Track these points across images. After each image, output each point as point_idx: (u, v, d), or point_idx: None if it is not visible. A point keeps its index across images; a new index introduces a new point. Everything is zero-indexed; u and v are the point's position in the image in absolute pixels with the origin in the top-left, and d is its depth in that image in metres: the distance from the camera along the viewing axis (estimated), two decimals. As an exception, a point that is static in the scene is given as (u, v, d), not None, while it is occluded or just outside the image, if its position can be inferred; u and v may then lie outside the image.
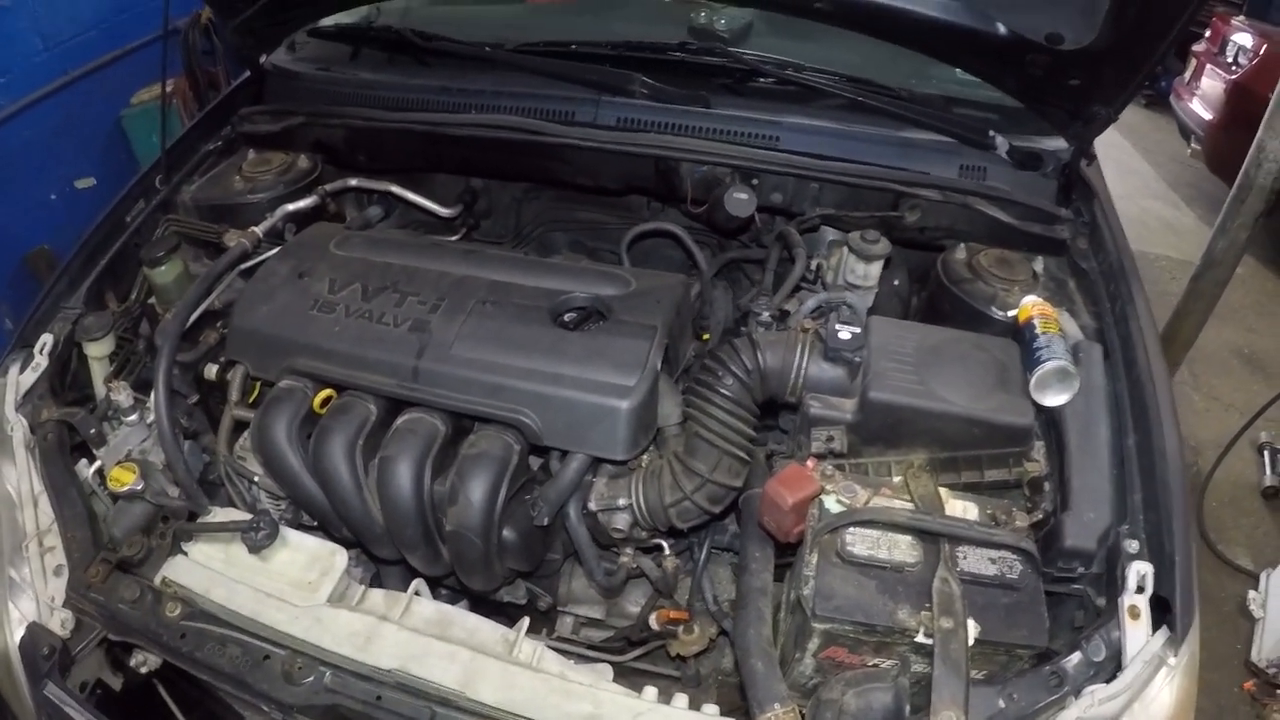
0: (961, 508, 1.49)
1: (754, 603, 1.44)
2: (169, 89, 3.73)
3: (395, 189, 2.22)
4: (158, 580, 1.50)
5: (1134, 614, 1.32)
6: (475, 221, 2.44)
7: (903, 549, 1.42)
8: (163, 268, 1.90)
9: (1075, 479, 1.49)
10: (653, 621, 1.71)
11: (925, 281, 2.00)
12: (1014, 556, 1.42)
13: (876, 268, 1.86)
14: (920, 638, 1.30)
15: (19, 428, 1.69)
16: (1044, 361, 1.55)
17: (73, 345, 1.82)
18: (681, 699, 1.39)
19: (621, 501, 1.61)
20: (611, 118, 2.13)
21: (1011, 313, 1.72)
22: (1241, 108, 5.48)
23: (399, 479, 1.52)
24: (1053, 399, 1.56)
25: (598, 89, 2.16)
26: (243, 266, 1.88)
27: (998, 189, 1.98)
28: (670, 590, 1.73)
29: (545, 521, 1.58)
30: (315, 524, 1.71)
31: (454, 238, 2.33)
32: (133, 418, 1.71)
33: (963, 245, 1.93)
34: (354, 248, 1.85)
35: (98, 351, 1.81)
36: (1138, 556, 1.37)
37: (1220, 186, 5.30)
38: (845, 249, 1.90)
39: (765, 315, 1.79)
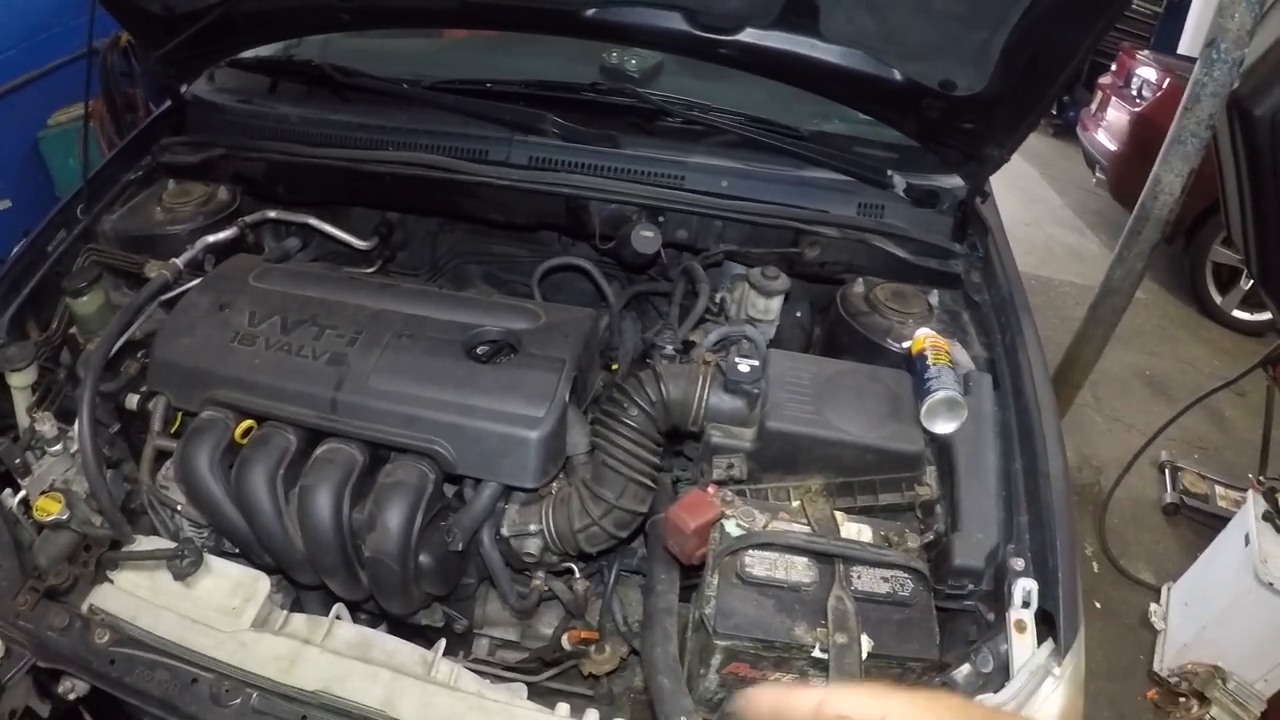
0: (856, 530, 1.55)
1: (660, 622, 1.49)
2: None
3: (313, 221, 2.26)
4: (85, 608, 1.52)
5: (1020, 627, 1.39)
6: (391, 254, 2.49)
7: (799, 570, 1.47)
8: (84, 298, 1.91)
9: (964, 501, 1.57)
10: (565, 642, 1.76)
11: (827, 313, 2.09)
12: (905, 575, 1.48)
13: (776, 302, 1.95)
14: (816, 653, 1.36)
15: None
16: (934, 391, 1.63)
17: (-5, 375, 1.83)
18: (593, 714, 1.45)
19: (533, 527, 1.67)
20: (524, 156, 2.20)
21: (906, 344, 1.81)
22: (1145, 139, 5.72)
23: (318, 507, 1.57)
24: (942, 427, 1.65)
25: (511, 128, 2.23)
26: (164, 298, 1.90)
27: (894, 226, 2.08)
28: (581, 611, 1.79)
29: (460, 547, 1.64)
30: (237, 551, 1.74)
31: (370, 269, 2.37)
32: (57, 448, 1.72)
33: (861, 279, 2.02)
34: (273, 280, 1.89)
35: (20, 381, 1.82)
36: (1023, 573, 1.43)
37: (1124, 215, 5.49)
38: (747, 284, 1.99)
39: (669, 348, 1.87)
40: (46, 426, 1.72)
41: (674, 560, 1.58)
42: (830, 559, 1.48)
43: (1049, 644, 1.38)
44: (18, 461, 1.69)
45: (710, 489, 1.57)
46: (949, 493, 1.61)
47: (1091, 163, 6.85)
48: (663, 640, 1.46)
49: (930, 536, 1.60)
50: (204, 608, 1.52)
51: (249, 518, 1.61)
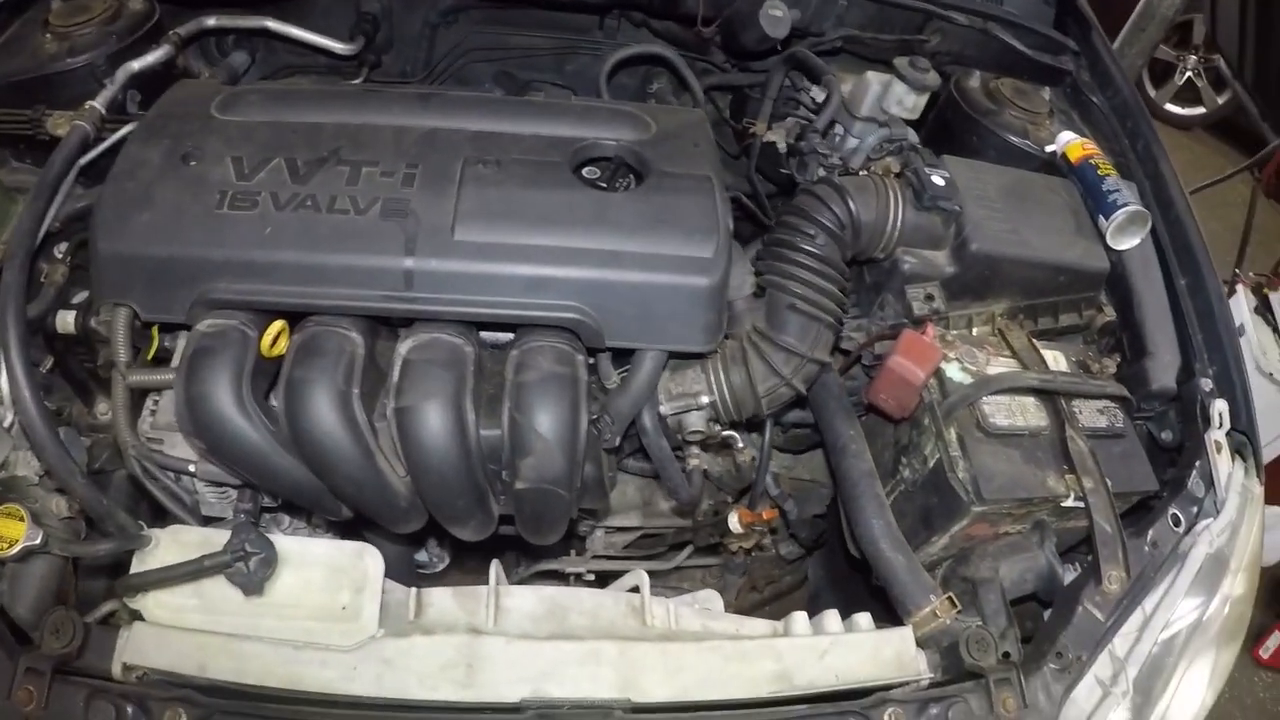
0: (1052, 358, 1.42)
1: (869, 488, 1.32)
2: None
3: (272, 24, 1.68)
4: (117, 670, 1.02)
5: (1218, 448, 1.33)
6: (376, 59, 1.93)
7: (1031, 412, 1.34)
8: (-38, 189, 1.28)
9: (1148, 322, 1.48)
10: (734, 524, 1.54)
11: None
12: (1115, 405, 1.40)
13: (924, 100, 1.63)
14: (1070, 502, 1.27)
15: None
16: (1120, 205, 1.49)
17: None
18: (866, 618, 1.23)
19: (704, 399, 1.30)
20: None
21: (1050, 148, 1.64)
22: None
23: (432, 433, 1.10)
24: (1126, 243, 1.52)
25: None
26: (85, 160, 1.30)
27: (1014, 14, 1.83)
28: (743, 487, 1.52)
29: (617, 442, 1.25)
30: (275, 504, 1.29)
31: (356, 81, 1.83)
32: None
33: (976, 73, 1.79)
34: (249, 108, 1.29)
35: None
36: (1212, 394, 1.38)
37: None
38: (869, 77, 1.65)
39: (834, 157, 1.54)
40: None
41: (851, 411, 1.42)
42: (1052, 396, 1.35)
43: (1239, 463, 1.34)
44: None
45: (928, 329, 1.36)
46: (1127, 313, 1.51)
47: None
48: (879, 510, 1.30)
49: (1118, 359, 1.49)
50: (298, 617, 1.07)
51: (319, 464, 1.12)
